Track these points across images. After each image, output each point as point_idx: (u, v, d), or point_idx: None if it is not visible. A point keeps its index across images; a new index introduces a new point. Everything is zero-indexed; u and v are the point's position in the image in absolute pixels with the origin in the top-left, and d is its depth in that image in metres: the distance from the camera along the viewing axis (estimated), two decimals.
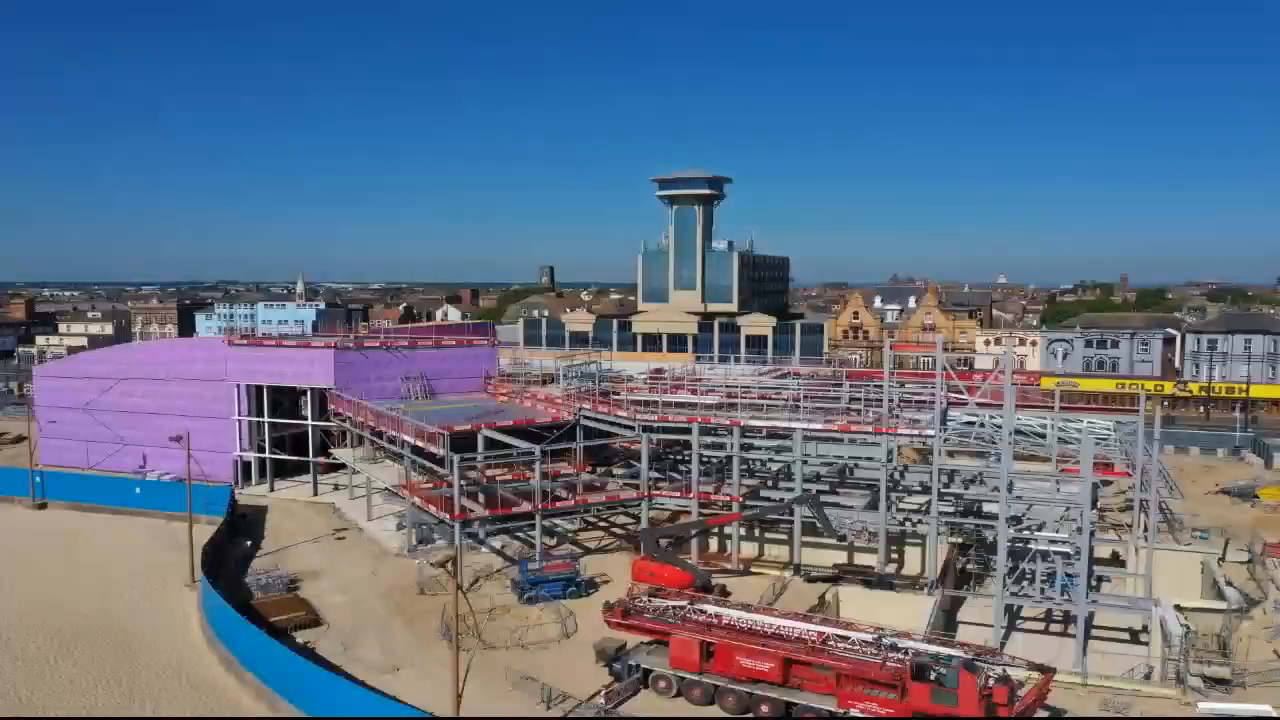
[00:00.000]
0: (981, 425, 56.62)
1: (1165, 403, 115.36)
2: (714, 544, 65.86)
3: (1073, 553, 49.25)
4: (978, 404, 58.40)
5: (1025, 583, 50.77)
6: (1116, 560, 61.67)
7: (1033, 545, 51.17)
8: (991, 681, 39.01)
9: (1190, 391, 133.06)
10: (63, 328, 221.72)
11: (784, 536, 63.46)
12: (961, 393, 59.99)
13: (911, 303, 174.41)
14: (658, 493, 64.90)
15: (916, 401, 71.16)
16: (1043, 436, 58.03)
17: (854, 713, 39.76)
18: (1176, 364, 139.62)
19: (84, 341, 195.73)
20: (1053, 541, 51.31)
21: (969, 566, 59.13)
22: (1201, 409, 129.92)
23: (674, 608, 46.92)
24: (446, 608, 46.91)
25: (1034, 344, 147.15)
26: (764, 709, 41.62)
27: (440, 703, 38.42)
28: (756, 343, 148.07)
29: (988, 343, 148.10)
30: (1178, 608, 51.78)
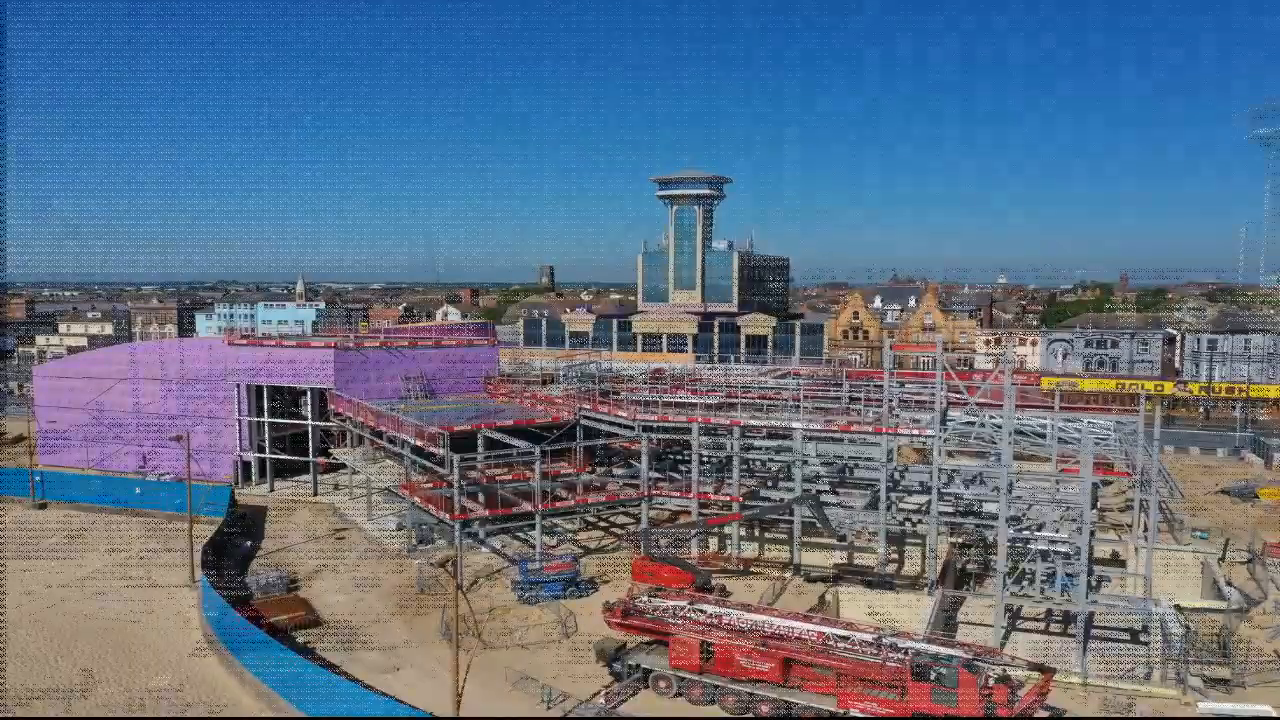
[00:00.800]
0: (981, 425, 56.61)
1: (1165, 403, 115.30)
2: (714, 544, 65.87)
3: (1072, 553, 49.23)
4: (978, 404, 58.38)
5: (1025, 583, 50.75)
6: (1116, 560, 61.61)
7: (1033, 545, 51.17)
8: (991, 681, 39.03)
9: (1190, 391, 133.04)
10: (63, 328, 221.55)
11: (784, 536, 63.47)
12: (961, 393, 59.99)
13: (911, 303, 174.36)
14: (658, 493, 64.90)
15: (916, 401, 71.16)
16: (1043, 436, 57.98)
17: (854, 713, 39.77)
18: (1176, 364, 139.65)
19: (84, 341, 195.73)
20: (1052, 541, 51.31)
21: (969, 566, 59.10)
22: (1201, 409, 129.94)
23: (674, 608, 46.91)
24: (446, 608, 46.95)
25: (1034, 344, 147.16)
26: (764, 709, 41.62)
27: (440, 703, 38.44)
28: (756, 342, 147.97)
29: (988, 342, 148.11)
30: (1177, 608, 51.76)
